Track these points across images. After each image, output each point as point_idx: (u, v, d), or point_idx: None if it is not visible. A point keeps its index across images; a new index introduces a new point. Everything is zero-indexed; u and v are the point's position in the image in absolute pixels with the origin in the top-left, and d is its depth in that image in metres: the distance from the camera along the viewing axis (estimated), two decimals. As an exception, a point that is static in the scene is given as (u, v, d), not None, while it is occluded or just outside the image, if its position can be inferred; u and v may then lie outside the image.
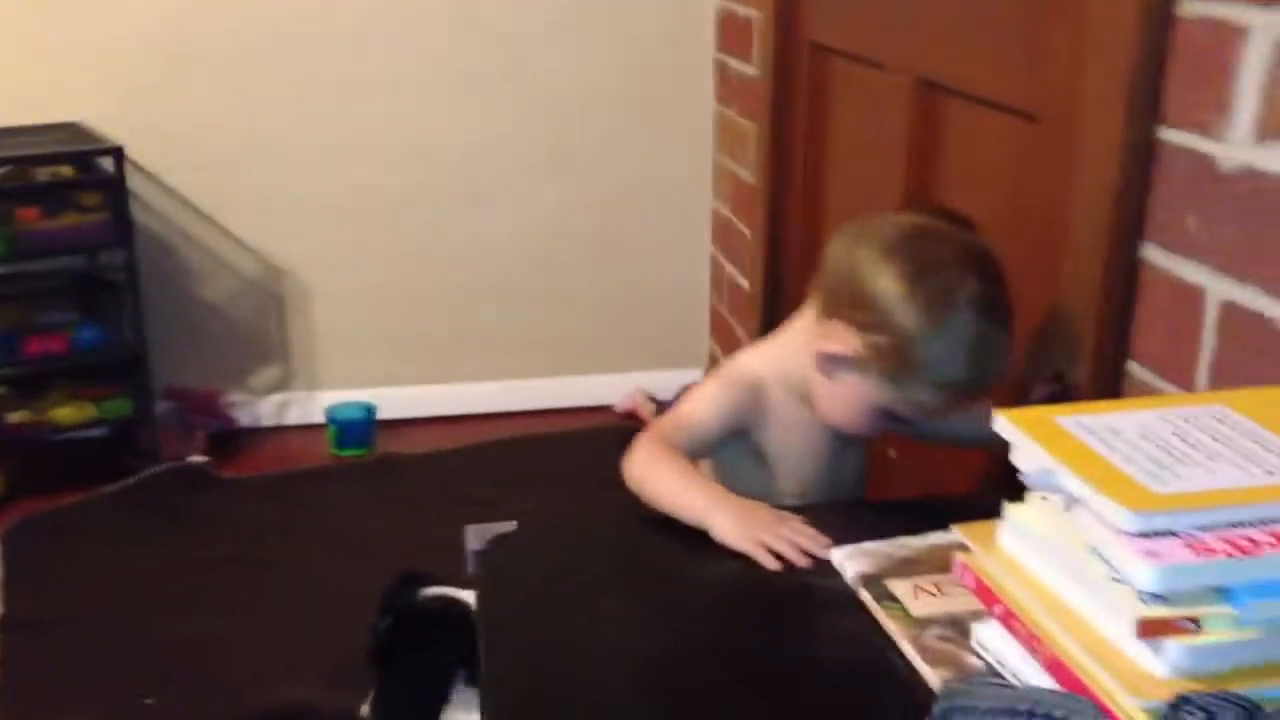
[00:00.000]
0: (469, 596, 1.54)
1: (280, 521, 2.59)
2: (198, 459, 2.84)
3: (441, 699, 1.52)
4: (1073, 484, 0.75)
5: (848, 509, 1.25)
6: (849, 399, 1.23)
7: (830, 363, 1.22)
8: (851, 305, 1.19)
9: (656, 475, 1.14)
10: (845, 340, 1.20)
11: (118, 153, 2.62)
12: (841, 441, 1.31)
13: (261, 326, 3.10)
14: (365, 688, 1.97)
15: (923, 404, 1.20)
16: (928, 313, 1.15)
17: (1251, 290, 1.03)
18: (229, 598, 2.30)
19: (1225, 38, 1.05)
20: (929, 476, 1.79)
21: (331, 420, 2.99)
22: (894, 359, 1.17)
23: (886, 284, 1.16)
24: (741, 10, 2.71)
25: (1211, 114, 1.07)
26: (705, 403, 1.27)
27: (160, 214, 2.94)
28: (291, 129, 2.94)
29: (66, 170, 2.66)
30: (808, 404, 1.28)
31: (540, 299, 3.17)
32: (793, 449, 1.30)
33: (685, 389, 3.08)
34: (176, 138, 2.88)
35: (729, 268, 2.99)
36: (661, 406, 3.11)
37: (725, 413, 1.26)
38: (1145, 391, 1.18)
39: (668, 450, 1.18)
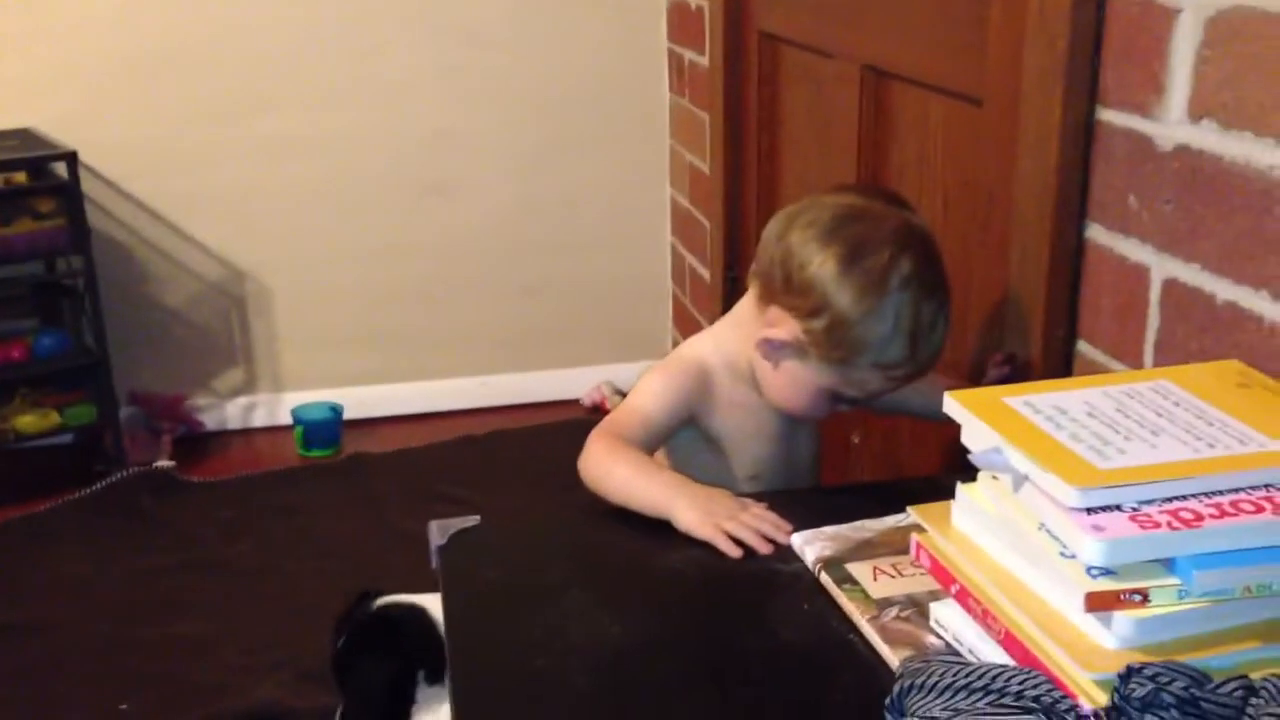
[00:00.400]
0: (423, 599, 1.56)
1: (249, 524, 2.60)
2: (165, 464, 2.84)
3: (407, 701, 1.53)
4: (1020, 462, 0.77)
5: (806, 494, 1.26)
6: (793, 383, 1.24)
7: (771, 348, 1.23)
8: (788, 291, 1.19)
9: (613, 470, 1.14)
10: (785, 326, 1.20)
11: (71, 158, 2.60)
12: (792, 423, 1.32)
13: (224, 329, 3.09)
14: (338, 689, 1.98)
15: (865, 385, 1.21)
16: (863, 294, 1.15)
17: (1193, 267, 1.06)
18: (201, 601, 2.30)
19: (1157, 18, 1.07)
20: (892, 460, 1.82)
21: (298, 421, 2.99)
22: (833, 342, 1.17)
23: (821, 267, 1.16)
24: (693, 1, 2.72)
25: (1147, 94, 1.09)
26: (652, 393, 1.26)
27: (117, 219, 2.92)
28: (247, 129, 2.93)
29: (20, 177, 2.64)
30: (755, 388, 1.28)
31: (503, 294, 3.17)
32: (744, 432, 1.30)
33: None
34: (130, 142, 2.87)
35: (689, 258, 3.00)
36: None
37: (673, 401, 1.26)
38: (1094, 370, 1.20)
39: (621, 444, 1.18)
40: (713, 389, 1.29)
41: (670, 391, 1.27)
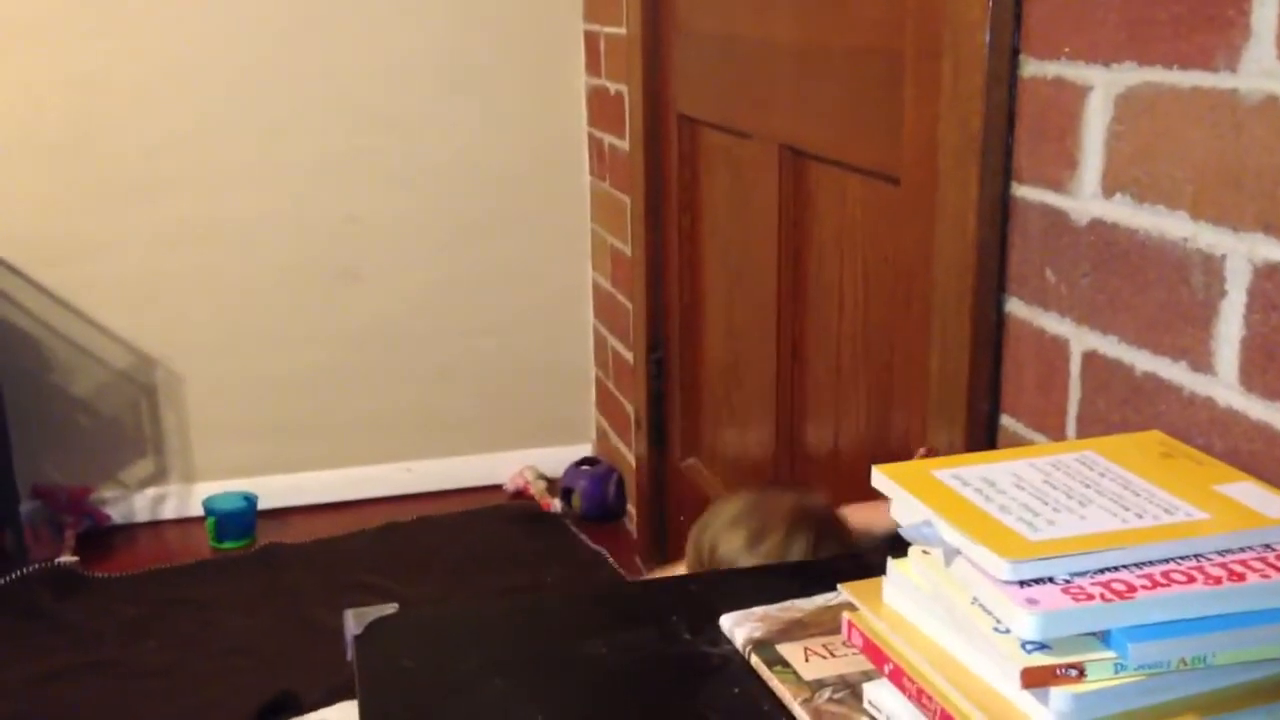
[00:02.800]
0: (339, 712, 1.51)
1: (156, 621, 2.50)
2: (68, 559, 2.73)
3: None
4: (950, 535, 0.76)
5: (734, 574, 1.24)
6: None
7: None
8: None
9: None
10: None
11: (-28, 246, 2.53)
12: None
13: (132, 418, 3.00)
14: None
15: None
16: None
17: (1111, 339, 1.06)
18: (103, 705, 2.20)
19: (1069, 95, 1.09)
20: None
21: (210, 512, 2.90)
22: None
23: (732, 547, 1.36)
24: (612, 86, 2.75)
25: (1061, 169, 1.11)
26: None
27: (20, 305, 2.84)
28: (151, 213, 2.88)
29: (-83, 267, 2.56)
30: None
31: (423, 378, 3.13)
32: None
33: (574, 465, 3.08)
34: (32, 228, 2.81)
35: (612, 340, 3.00)
36: (551, 484, 3.09)
37: None
38: (1018, 443, 1.21)
39: None
40: None
41: None
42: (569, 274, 3.16)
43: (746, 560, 1.34)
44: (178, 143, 2.86)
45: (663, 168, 2.44)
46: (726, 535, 1.38)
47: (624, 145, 2.68)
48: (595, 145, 3.00)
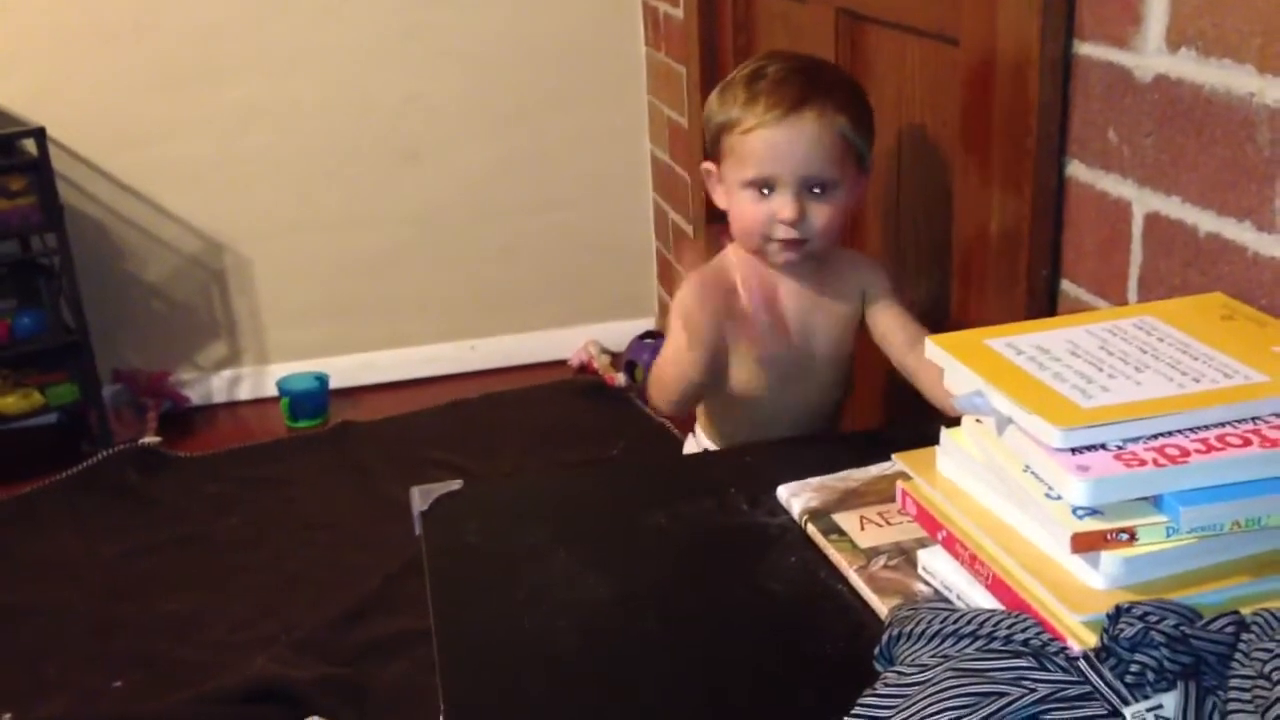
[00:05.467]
0: None
1: (237, 497, 2.58)
2: (150, 440, 2.82)
3: None
4: (1003, 405, 0.76)
5: (790, 445, 1.25)
6: (728, 202, 1.39)
7: (708, 181, 1.42)
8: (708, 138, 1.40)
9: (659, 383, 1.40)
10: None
11: (40, 134, 2.57)
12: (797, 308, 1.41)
13: (204, 303, 3.06)
14: (335, 657, 1.98)
15: (747, 157, 1.33)
16: (718, 90, 1.38)
17: (1175, 200, 1.04)
18: (191, 577, 2.29)
19: (1134, -52, 1.05)
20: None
21: (284, 392, 2.97)
22: (713, 140, 1.38)
23: (708, 102, 1.39)
24: (665, -49, 2.68)
25: (1124, 25, 1.07)
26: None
27: (89, 195, 2.89)
28: (213, 98, 2.89)
29: (-12, 157, 2.61)
30: (758, 263, 1.40)
31: (485, 257, 3.15)
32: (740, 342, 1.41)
33: (637, 339, 3.08)
34: (97, 115, 2.83)
35: (671, 213, 2.98)
36: (615, 358, 3.11)
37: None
38: (1078, 308, 1.19)
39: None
40: (735, 290, 1.41)
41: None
42: (627, 147, 3.13)
43: (713, 97, 1.38)
44: (237, 25, 2.85)
45: (718, 35, 2.39)
46: (713, 97, 1.39)
47: (678, 14, 2.62)
48: (650, 14, 2.94)
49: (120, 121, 2.85)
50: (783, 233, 1.34)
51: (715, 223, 1.56)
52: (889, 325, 1.40)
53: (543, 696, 0.79)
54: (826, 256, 1.41)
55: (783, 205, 1.32)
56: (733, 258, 1.43)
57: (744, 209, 1.36)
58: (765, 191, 1.34)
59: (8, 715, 1.81)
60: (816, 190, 1.33)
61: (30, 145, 2.59)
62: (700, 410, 1.51)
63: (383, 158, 3.02)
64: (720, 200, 1.41)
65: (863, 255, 1.58)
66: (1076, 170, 1.17)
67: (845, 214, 1.38)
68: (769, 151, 1.32)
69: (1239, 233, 0.97)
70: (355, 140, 2.99)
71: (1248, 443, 0.71)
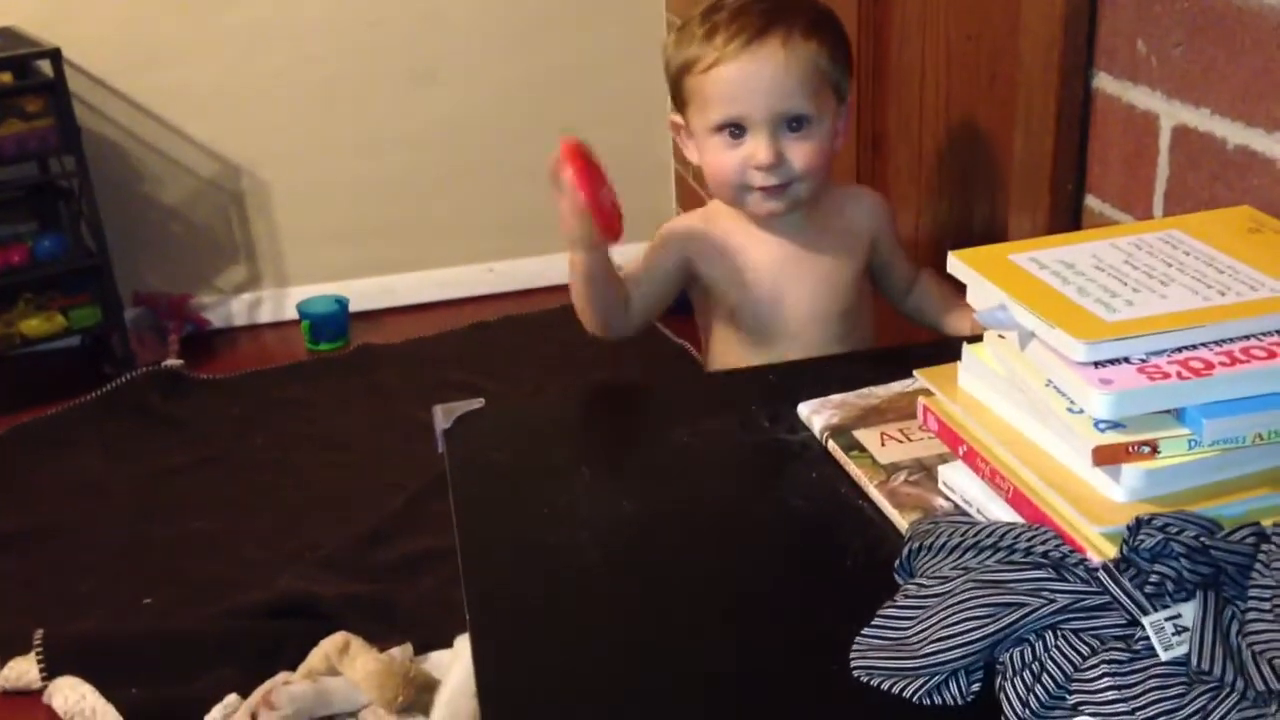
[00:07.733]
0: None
1: (260, 419, 2.61)
2: (173, 363, 2.84)
3: None
4: (1026, 319, 0.76)
5: (812, 363, 1.25)
6: (700, 150, 1.30)
7: (676, 134, 1.35)
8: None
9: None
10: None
11: (55, 55, 2.55)
12: (792, 262, 1.33)
13: (224, 226, 3.06)
14: (361, 574, 2.00)
15: (710, 98, 1.25)
16: (676, 31, 1.31)
17: (1203, 112, 1.02)
18: (215, 497, 2.32)
19: None
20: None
21: (304, 315, 2.98)
22: (675, 85, 1.29)
23: (667, 40, 1.31)
24: None
25: (1157, -67, 1.05)
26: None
27: (107, 116, 2.88)
28: (226, 19, 2.86)
29: (4, 77, 2.59)
30: (744, 218, 1.33)
31: (504, 179, 3.12)
32: (741, 271, 1.35)
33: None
34: (111, 36, 2.81)
35: (690, 131, 2.95)
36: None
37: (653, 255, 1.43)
38: (1103, 223, 1.18)
39: None
40: (707, 236, 1.37)
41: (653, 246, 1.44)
42: (644, 67, 3.08)
43: (670, 39, 1.32)
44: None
45: (738, -51, 2.34)
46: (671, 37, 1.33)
47: (698, -74, 2.57)
48: (668, -72, 2.89)
49: (133, 43, 2.83)
50: (760, 179, 1.24)
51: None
52: (885, 273, 1.37)
53: (568, 609, 0.80)
54: (818, 199, 1.30)
55: (757, 148, 1.23)
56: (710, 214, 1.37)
57: (715, 158, 1.26)
58: (736, 135, 1.24)
59: (39, 631, 1.85)
60: (793, 127, 1.23)
61: (46, 66, 2.57)
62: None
63: (400, 78, 2.99)
64: (691, 155, 1.31)
65: (864, 190, 1.47)
66: (1103, 82, 1.15)
67: (829, 152, 1.27)
68: (733, 88, 1.21)
69: (1268, 145, 0.96)
70: (371, 61, 2.96)
71: (1273, 355, 0.71)
